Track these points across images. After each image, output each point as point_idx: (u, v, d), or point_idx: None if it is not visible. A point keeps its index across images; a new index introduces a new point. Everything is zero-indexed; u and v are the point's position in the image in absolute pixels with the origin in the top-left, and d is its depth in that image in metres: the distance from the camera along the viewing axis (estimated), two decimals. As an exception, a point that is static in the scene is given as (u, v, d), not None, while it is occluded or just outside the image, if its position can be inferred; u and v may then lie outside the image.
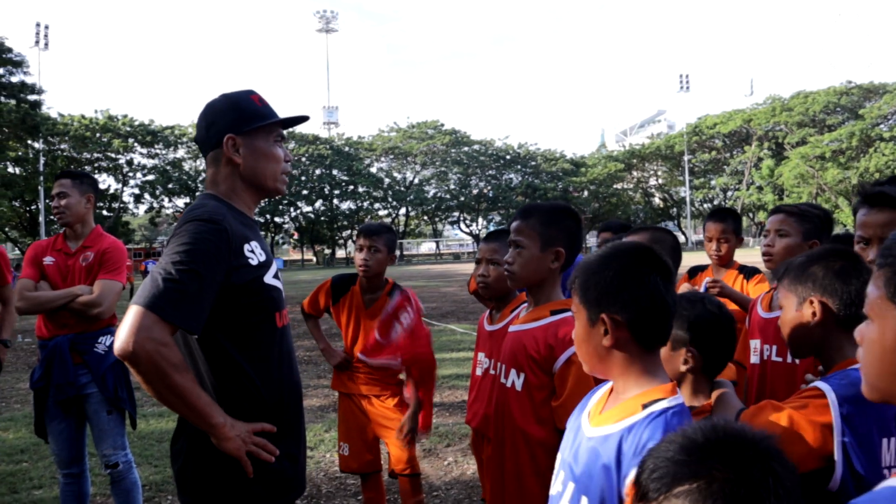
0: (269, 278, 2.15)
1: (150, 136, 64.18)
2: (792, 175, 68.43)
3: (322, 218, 73.81)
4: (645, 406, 1.53)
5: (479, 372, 3.10)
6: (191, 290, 1.89)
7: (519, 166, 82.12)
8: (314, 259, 78.40)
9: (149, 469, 5.58)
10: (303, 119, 2.37)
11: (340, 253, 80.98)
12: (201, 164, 66.81)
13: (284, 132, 2.33)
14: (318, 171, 72.79)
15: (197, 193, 58.17)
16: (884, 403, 1.71)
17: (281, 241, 77.18)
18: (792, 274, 2.00)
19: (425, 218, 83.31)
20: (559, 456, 1.76)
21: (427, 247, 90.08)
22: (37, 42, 57.02)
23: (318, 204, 74.43)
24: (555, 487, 1.70)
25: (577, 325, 1.68)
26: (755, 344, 3.05)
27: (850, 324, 1.84)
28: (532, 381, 2.38)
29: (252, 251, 2.11)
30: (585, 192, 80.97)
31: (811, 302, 1.92)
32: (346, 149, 75.06)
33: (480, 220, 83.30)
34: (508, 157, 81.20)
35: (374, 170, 77.08)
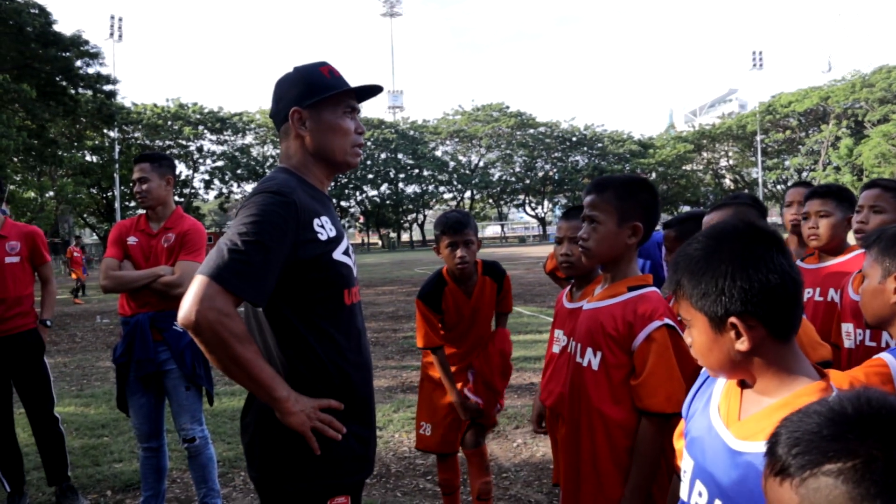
0: (338, 254, 2.11)
1: (219, 122, 65.70)
2: (872, 154, 65.69)
3: (387, 202, 74.43)
4: None
5: (555, 349, 3.08)
6: (255, 262, 1.88)
7: (585, 148, 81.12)
8: (379, 243, 79.09)
9: (222, 445, 5.72)
10: (375, 89, 2.29)
11: (405, 237, 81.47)
12: (269, 149, 68.12)
13: (357, 104, 2.26)
14: (383, 156, 73.34)
15: (265, 178, 59.59)
16: None
17: (347, 225, 78.03)
18: (882, 244, 1.91)
19: (490, 201, 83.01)
20: (687, 458, 1.59)
21: (492, 230, 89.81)
22: (111, 34, 58.56)
23: (383, 188, 75.06)
24: (692, 498, 1.52)
25: (696, 333, 1.46)
26: (847, 328, 2.92)
27: None
28: (609, 360, 2.31)
29: (322, 226, 2.07)
30: (654, 174, 79.43)
31: None
32: (411, 132, 75.36)
33: (546, 202, 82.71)
34: (574, 139, 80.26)
35: (438, 153, 77.19)
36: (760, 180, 76.56)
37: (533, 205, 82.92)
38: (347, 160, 2.24)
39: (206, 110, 65.19)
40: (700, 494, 1.48)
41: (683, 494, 1.58)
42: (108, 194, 57.10)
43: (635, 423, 2.27)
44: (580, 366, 2.41)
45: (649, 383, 2.22)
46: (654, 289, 2.38)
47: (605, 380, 2.32)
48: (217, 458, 4.49)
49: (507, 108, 77.71)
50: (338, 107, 2.19)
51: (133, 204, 52.80)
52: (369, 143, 71.05)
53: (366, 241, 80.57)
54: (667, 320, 2.25)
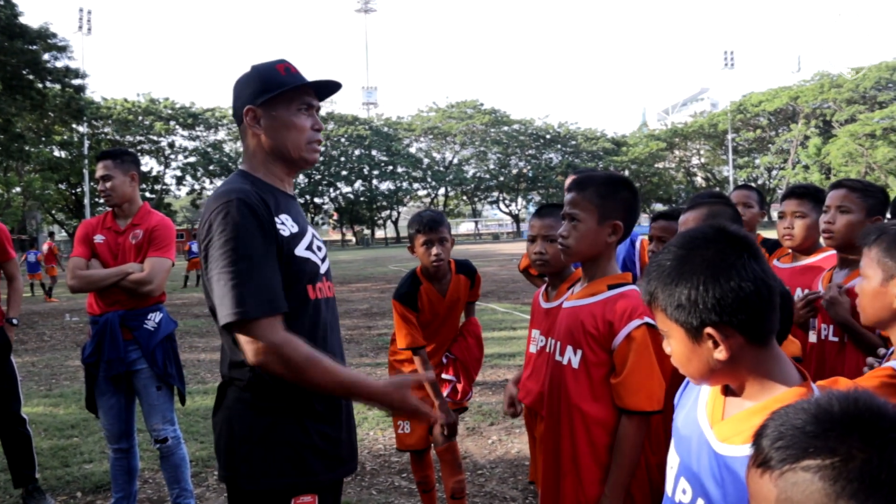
0: (300, 250, 2.10)
1: (190, 118, 65.16)
2: (840, 154, 66.90)
3: (361, 198, 74.22)
4: None
5: (533, 349, 3.07)
6: (262, 278, 1.92)
7: (559, 146, 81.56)
8: (353, 239, 78.86)
9: (195, 445, 5.65)
10: (334, 85, 2.25)
11: (379, 233, 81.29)
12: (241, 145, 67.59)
13: (316, 101, 2.22)
14: (357, 152, 73.13)
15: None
16: None
17: (320, 222, 77.68)
18: (884, 246, 1.85)
19: (464, 198, 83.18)
20: (673, 454, 1.59)
21: (466, 227, 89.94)
22: (80, 27, 57.88)
23: (357, 184, 74.82)
24: (677, 495, 1.53)
25: (674, 343, 1.44)
26: (812, 323, 2.97)
27: None
28: (590, 358, 2.31)
29: (283, 223, 2.07)
30: (626, 172, 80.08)
31: None
32: (385, 129, 75.31)
33: (520, 199, 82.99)
34: (548, 136, 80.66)
35: (413, 150, 77.19)
36: (731, 178, 77.41)
37: (507, 202, 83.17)
38: (304, 157, 2.20)
39: (177, 105, 64.64)
40: (684, 492, 1.49)
41: (668, 489, 1.58)
42: (78, 190, 56.44)
43: (615, 420, 2.27)
44: (560, 364, 2.41)
45: (630, 382, 2.22)
46: (633, 287, 2.38)
47: (585, 378, 2.32)
48: (190, 457, 4.43)
49: (482, 105, 77.89)
50: (291, 104, 2.15)
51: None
52: (343, 140, 70.87)
53: (340, 238, 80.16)
54: (647, 319, 2.25)
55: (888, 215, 3.08)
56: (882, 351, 2.07)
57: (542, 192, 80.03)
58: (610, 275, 2.41)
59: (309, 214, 73.06)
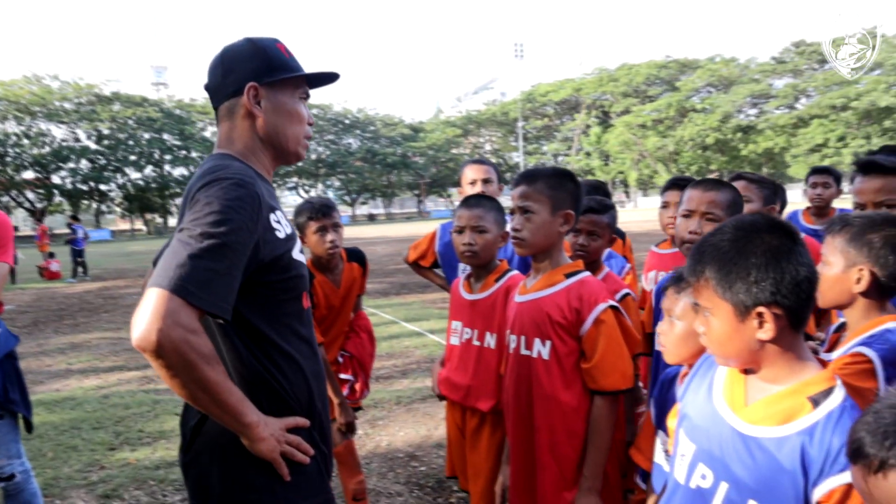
0: (296, 253, 1.91)
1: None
2: (617, 142, 72.98)
3: (152, 185, 69.55)
4: (815, 401, 1.43)
5: (455, 341, 3.05)
6: (221, 269, 1.61)
7: (358, 131, 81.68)
8: (145, 229, 74.27)
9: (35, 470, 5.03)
10: (331, 76, 2.09)
11: (172, 221, 77.06)
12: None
13: (310, 91, 2.05)
14: (147, 136, 68.29)
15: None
16: None
17: (106, 210, 72.31)
18: (848, 236, 1.97)
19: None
20: (686, 442, 1.63)
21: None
22: None
23: (147, 170, 69.99)
24: (694, 480, 1.58)
25: (716, 322, 1.49)
26: None
27: (888, 292, 1.95)
28: (560, 349, 2.38)
29: (278, 222, 1.84)
30: (424, 158, 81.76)
31: (860, 269, 1.94)
32: (178, 112, 71.11)
33: (319, 185, 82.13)
34: (347, 121, 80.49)
35: (208, 134, 73.63)
36: (522, 164, 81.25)
37: (306, 188, 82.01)
38: (298, 151, 2.03)
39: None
40: (704, 477, 1.55)
41: (680, 477, 1.62)
42: None
43: (588, 404, 2.36)
44: (528, 358, 2.44)
45: (604, 364, 2.32)
46: (588, 273, 2.48)
47: (557, 368, 2.38)
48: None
49: (279, 88, 75.90)
50: (296, 90, 1.98)
51: None
52: (131, 122, 66.17)
53: (130, 227, 75.11)
54: (611, 301, 2.37)
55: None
56: (821, 335, 2.21)
57: (341, 178, 79.79)
58: (564, 264, 2.48)
59: (93, 202, 67.86)
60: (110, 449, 5.50)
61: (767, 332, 1.43)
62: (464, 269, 3.48)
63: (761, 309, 1.42)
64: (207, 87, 2.02)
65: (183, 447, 1.93)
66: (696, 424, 1.62)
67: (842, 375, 1.80)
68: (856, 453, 1.12)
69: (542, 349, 2.40)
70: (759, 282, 1.42)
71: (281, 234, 1.83)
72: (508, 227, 3.12)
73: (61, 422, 6.28)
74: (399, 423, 5.82)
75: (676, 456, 1.68)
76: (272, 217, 1.81)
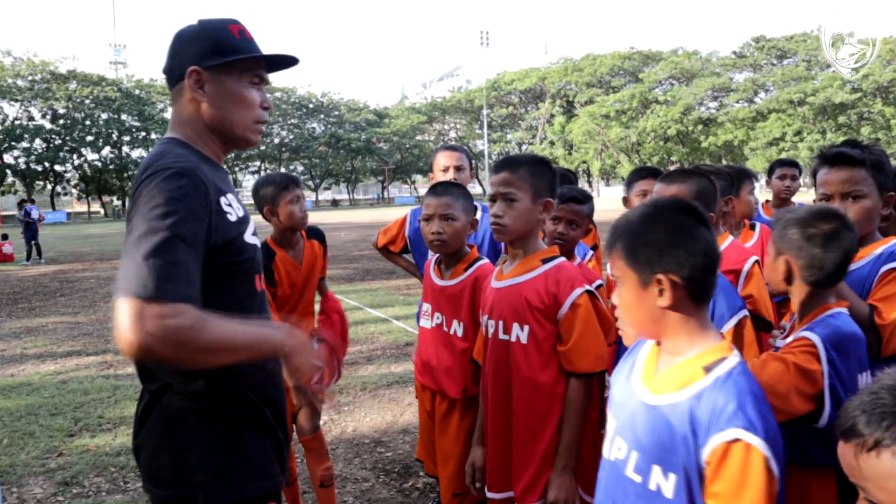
0: (248, 236, 1.88)
1: None
2: (581, 132, 73.42)
3: (110, 167, 68.00)
4: (707, 369, 1.53)
5: (425, 324, 3.13)
6: (178, 260, 1.58)
7: (322, 116, 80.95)
8: (102, 211, 72.84)
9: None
10: (290, 60, 2.03)
11: (131, 204, 75.53)
12: None
13: (266, 74, 2.00)
14: (104, 116, 66.61)
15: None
16: (859, 342, 1.98)
17: (62, 192, 70.63)
18: (778, 229, 2.14)
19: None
20: (611, 419, 1.75)
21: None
22: None
23: (105, 151, 68.37)
24: (612, 453, 1.69)
25: (624, 290, 1.63)
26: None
27: (824, 282, 2.08)
28: (538, 333, 2.42)
29: (229, 205, 1.82)
30: (389, 144, 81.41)
31: (786, 260, 2.10)
32: (137, 92, 69.54)
33: (282, 169, 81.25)
34: (311, 105, 79.66)
35: (168, 115, 72.16)
36: (486, 152, 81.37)
37: (269, 172, 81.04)
38: (247, 136, 1.98)
39: None
40: (619, 449, 1.67)
41: (605, 452, 1.74)
42: None
43: (563, 386, 2.41)
44: (506, 342, 2.48)
45: (580, 347, 2.37)
46: (564, 258, 2.52)
47: (535, 351, 2.42)
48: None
49: (241, 70, 74.82)
50: (244, 74, 1.92)
51: None
52: (88, 102, 64.60)
53: (87, 210, 73.52)
54: (587, 286, 2.41)
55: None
56: (786, 325, 2.32)
57: (305, 163, 79.11)
58: (540, 250, 2.52)
59: (49, 184, 66.32)
60: (69, 435, 5.39)
61: (666, 299, 1.55)
62: (434, 254, 3.48)
63: (660, 276, 1.54)
64: (164, 70, 1.98)
65: (134, 431, 1.92)
66: (616, 401, 1.74)
67: (790, 358, 1.95)
68: (849, 431, 1.19)
69: (520, 333, 2.44)
70: (660, 252, 1.55)
71: (233, 217, 1.82)
72: (478, 215, 3.12)
73: (17, 408, 6.14)
74: (365, 409, 5.81)
75: (606, 434, 1.78)
76: (223, 200, 1.80)
